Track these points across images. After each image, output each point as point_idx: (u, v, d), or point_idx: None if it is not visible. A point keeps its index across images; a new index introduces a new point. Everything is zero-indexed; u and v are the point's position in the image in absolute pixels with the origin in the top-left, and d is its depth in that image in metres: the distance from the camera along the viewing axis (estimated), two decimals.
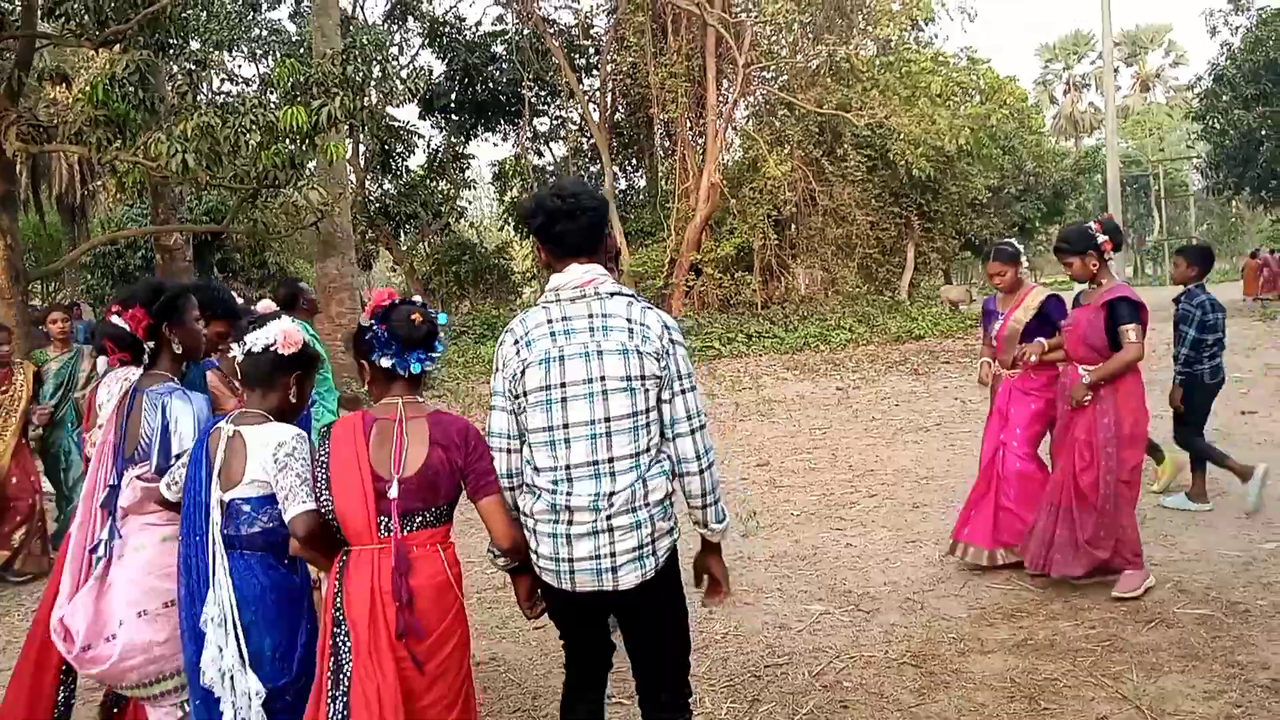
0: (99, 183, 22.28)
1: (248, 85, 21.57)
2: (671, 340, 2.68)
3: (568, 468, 2.61)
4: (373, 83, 12.00)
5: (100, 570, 3.10)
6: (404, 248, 25.59)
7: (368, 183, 24.77)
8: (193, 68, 11.30)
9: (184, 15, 15.13)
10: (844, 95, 20.52)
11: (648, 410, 2.63)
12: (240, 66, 23.14)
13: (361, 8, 24.74)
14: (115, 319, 3.37)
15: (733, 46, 19.25)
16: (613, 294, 2.70)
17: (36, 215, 22.98)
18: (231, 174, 10.99)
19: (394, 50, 23.56)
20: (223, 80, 21.60)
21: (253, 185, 10.59)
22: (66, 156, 18.28)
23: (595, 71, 25.99)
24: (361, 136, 22.14)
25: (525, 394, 2.65)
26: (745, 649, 4.46)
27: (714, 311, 21.34)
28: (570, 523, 2.61)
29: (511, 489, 2.72)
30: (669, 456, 2.70)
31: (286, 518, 2.75)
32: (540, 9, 23.94)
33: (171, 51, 12.27)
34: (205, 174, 9.68)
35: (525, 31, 24.53)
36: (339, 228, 14.81)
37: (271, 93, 15.21)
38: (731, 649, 4.47)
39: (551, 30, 23.87)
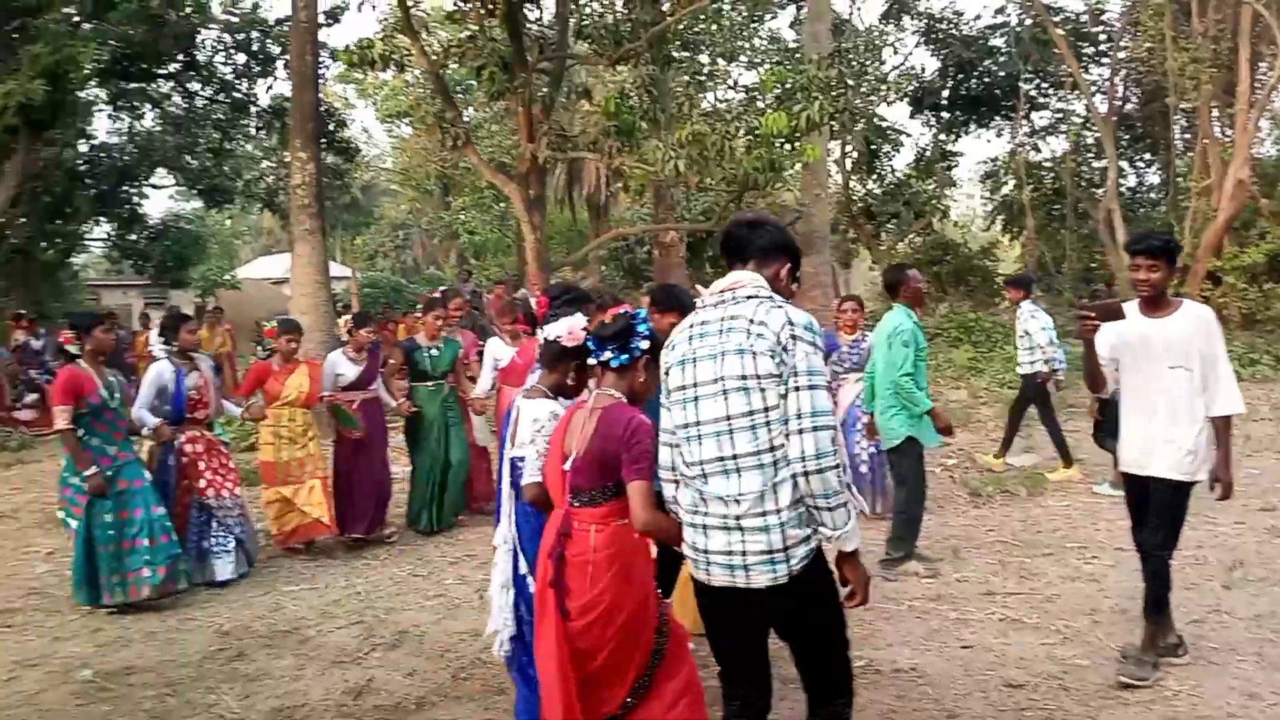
0: (619, 185, 25.04)
1: (748, 93, 22.92)
2: (793, 336, 2.68)
3: (702, 463, 2.77)
4: (859, 84, 12.17)
5: None
6: (883, 247, 25.59)
7: (853, 183, 25.05)
8: (689, 79, 12.30)
9: (695, 30, 16.54)
10: None
11: (766, 409, 2.68)
12: (740, 75, 24.63)
13: (858, 10, 25.05)
14: (532, 299, 4.40)
15: (1272, 25, 16.53)
16: (749, 297, 2.80)
17: (570, 213, 26.41)
18: (720, 177, 11.84)
19: (888, 51, 23.57)
20: (726, 89, 23.18)
21: (737, 188, 11.30)
22: (594, 162, 20.83)
23: (1104, 60, 23.83)
24: (849, 138, 22.44)
25: (669, 393, 2.89)
26: (1198, 711, 3.92)
27: (1234, 328, 18.51)
28: (707, 514, 2.77)
29: (672, 481, 2.94)
30: None
31: (522, 483, 3.47)
32: None
33: (676, 65, 13.50)
34: (694, 177, 10.55)
35: (1028, 22, 23.17)
36: (817, 227, 15.23)
37: (760, 99, 16.08)
38: (1183, 708, 3.96)
39: (1057, 19, 22.30)
